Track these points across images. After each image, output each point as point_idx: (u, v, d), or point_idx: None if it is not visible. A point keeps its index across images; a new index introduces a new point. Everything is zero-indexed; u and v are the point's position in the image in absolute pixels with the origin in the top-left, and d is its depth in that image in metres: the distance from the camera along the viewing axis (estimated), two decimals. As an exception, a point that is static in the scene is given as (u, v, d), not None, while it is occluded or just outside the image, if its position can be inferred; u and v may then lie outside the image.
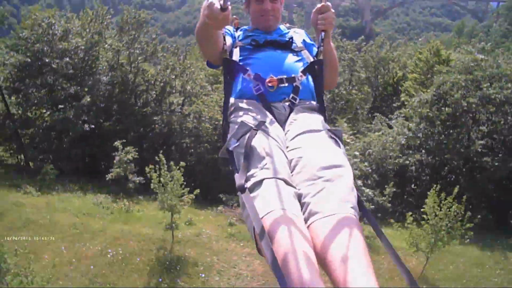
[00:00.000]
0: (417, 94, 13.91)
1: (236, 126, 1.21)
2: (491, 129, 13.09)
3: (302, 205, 1.02)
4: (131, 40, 16.16)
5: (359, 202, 1.05)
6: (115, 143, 12.89)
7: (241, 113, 1.31)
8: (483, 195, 13.18)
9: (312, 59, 1.48)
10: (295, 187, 1.06)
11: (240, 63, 1.42)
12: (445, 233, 7.99)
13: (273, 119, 1.29)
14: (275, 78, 1.35)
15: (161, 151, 9.77)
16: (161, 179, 7.97)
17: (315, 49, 1.53)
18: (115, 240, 8.84)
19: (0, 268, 5.61)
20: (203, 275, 7.90)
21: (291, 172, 1.13)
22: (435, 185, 8.24)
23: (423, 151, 13.43)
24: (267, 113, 1.30)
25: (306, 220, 0.99)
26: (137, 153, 13.12)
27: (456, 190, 7.97)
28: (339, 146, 1.18)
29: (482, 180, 12.59)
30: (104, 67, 16.17)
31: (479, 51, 14.92)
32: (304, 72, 1.42)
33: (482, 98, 12.06)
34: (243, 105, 1.34)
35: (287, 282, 0.78)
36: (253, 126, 1.18)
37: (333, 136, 1.21)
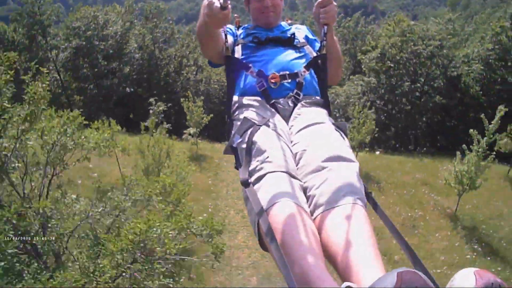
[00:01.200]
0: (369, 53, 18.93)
1: (239, 123, 1.23)
2: (426, 77, 18.11)
3: (307, 198, 1.03)
4: (154, 26, 21.55)
5: (366, 194, 1.04)
6: (150, 99, 18.44)
7: (244, 110, 1.33)
8: (425, 129, 18.31)
9: (315, 54, 1.49)
10: (300, 180, 1.06)
11: (243, 61, 1.44)
12: (365, 133, 13.24)
13: (277, 115, 1.30)
14: (277, 74, 1.36)
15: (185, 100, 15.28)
16: (190, 105, 13.50)
17: (317, 45, 1.55)
18: (161, 150, 14.45)
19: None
20: (217, 161, 13.45)
21: (296, 166, 1.13)
22: (358, 105, 13.52)
23: (376, 98, 18.59)
24: (271, 109, 1.32)
25: (312, 213, 0.98)
26: (166, 107, 18.65)
27: (369, 104, 13.20)
28: (344, 139, 1.19)
29: (416, 116, 17.74)
30: (134, 48, 21.65)
31: (447, 21, 19.59)
32: (307, 67, 1.43)
33: (411, 53, 17.09)
34: (246, 102, 1.36)
35: (292, 272, 0.76)
36: (256, 121, 1.20)
37: (337, 129, 1.22)
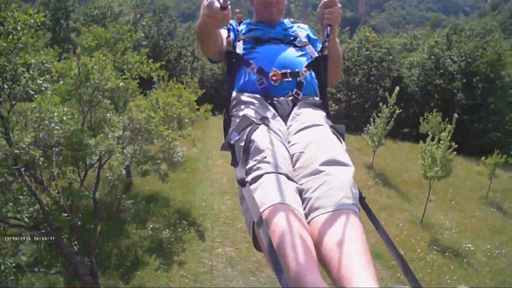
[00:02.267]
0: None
1: (238, 120, 1.23)
2: (378, 77, 23.40)
3: (303, 200, 1.04)
4: (159, 20, 26.33)
5: (361, 199, 1.07)
6: (153, 79, 23.11)
7: (243, 107, 1.34)
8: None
9: (316, 55, 1.51)
10: (296, 182, 1.08)
11: (244, 56, 1.45)
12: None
13: (276, 114, 1.31)
14: (279, 72, 1.38)
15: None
16: (188, 80, 18.31)
17: (319, 45, 1.56)
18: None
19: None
20: (204, 123, 18.21)
21: (293, 167, 1.14)
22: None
23: (336, 92, 23.74)
24: (270, 107, 1.33)
25: (306, 216, 1.01)
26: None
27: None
28: (341, 143, 1.21)
29: (369, 109, 22.97)
30: (142, 36, 26.30)
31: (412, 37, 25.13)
32: (308, 67, 1.45)
33: (365, 56, 22.39)
34: (245, 99, 1.36)
35: (284, 274, 0.79)
36: (255, 119, 1.21)
37: (335, 132, 1.23)
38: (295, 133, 1.25)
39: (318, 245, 0.92)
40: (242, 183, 1.04)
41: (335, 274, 0.85)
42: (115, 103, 8.48)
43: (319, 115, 1.34)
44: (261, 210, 0.95)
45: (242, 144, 1.13)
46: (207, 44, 1.38)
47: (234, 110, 1.38)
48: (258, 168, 1.06)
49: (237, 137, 1.17)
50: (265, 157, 1.07)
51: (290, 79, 1.40)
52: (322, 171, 1.07)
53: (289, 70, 1.41)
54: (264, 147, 1.10)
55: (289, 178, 1.06)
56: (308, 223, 0.99)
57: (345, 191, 1.02)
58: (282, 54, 1.46)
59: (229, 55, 1.44)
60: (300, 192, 1.06)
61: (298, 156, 1.16)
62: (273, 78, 1.37)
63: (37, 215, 4.94)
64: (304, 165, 1.12)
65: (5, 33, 4.21)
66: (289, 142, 1.23)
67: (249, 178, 1.05)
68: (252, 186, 1.03)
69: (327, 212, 0.97)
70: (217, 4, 1.06)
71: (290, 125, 1.30)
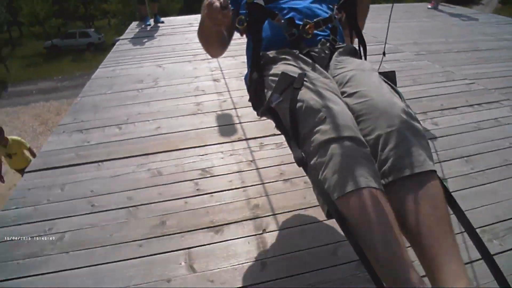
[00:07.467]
0: None
1: (276, 79, 1.07)
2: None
3: (374, 157, 0.89)
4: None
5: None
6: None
7: (278, 63, 1.18)
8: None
9: None
10: (367, 146, 0.89)
11: (266, 7, 1.27)
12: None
13: (317, 65, 1.14)
14: (312, 23, 1.23)
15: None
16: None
17: None
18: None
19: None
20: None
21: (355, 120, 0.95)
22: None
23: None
24: (308, 60, 1.17)
25: (382, 178, 0.87)
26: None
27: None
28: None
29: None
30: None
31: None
32: (339, 9, 1.33)
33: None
34: (278, 55, 1.22)
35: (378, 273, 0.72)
36: (296, 76, 1.03)
37: (386, 80, 1.05)
38: (346, 83, 1.06)
39: (398, 214, 0.81)
40: (302, 163, 0.89)
41: (421, 249, 0.77)
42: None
43: (362, 62, 1.17)
44: (336, 196, 0.80)
45: (287, 106, 0.96)
46: (210, 45, 1.32)
47: (266, 68, 1.19)
48: (317, 137, 0.86)
49: (280, 99, 1.01)
50: (324, 119, 0.88)
51: (323, 27, 1.25)
52: (394, 124, 0.89)
53: (321, 18, 1.25)
54: (319, 106, 0.90)
55: (359, 143, 0.86)
56: (385, 186, 0.85)
57: (424, 150, 0.87)
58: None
59: (251, 7, 1.23)
60: (372, 153, 0.88)
61: (361, 106, 0.96)
62: (308, 31, 1.22)
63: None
64: (369, 117, 0.93)
65: None
66: (341, 94, 1.04)
67: (307, 150, 0.88)
68: (315, 162, 0.85)
69: (408, 176, 0.84)
70: (217, 4, 1.03)
71: (335, 75, 1.13)
